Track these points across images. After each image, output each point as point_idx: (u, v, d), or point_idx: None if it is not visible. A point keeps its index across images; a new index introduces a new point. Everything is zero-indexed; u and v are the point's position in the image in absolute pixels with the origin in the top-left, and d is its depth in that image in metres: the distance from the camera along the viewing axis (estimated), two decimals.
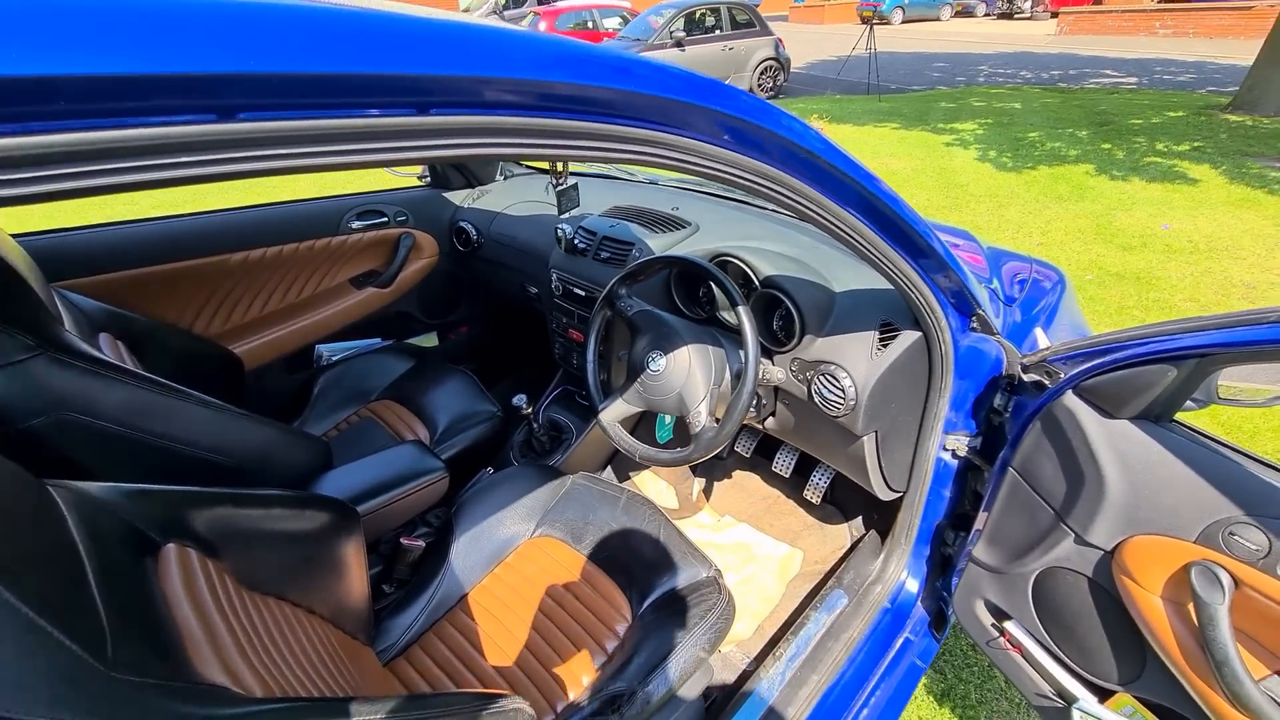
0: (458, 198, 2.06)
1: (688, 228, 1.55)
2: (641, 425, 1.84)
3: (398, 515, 1.32)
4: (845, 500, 1.77)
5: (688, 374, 1.17)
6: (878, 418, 1.21)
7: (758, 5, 10.49)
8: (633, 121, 0.57)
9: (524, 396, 1.58)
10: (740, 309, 1.11)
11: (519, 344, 2.42)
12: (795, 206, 0.78)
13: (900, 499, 1.38)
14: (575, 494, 1.41)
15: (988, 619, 1.23)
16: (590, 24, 11.16)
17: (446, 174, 2.03)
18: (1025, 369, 1.12)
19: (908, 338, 1.16)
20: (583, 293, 1.58)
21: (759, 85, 9.46)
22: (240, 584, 0.83)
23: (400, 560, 1.30)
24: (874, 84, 9.24)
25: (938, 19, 20.24)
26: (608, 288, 1.29)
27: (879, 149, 6.34)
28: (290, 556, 0.95)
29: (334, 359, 1.93)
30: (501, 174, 2.09)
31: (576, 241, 1.60)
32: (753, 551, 1.72)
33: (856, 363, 1.17)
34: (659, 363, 1.19)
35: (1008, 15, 20.28)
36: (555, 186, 1.33)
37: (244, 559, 0.85)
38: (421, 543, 1.31)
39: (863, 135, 6.93)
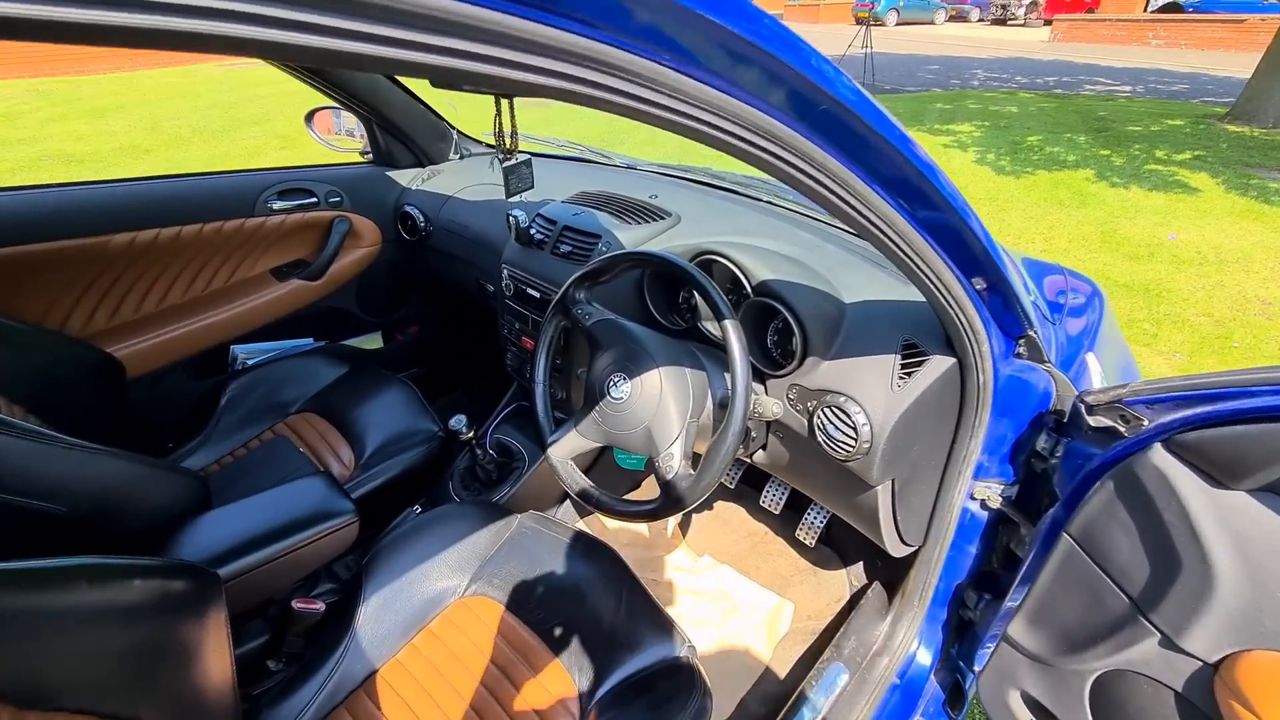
0: (404, 178, 1.78)
1: (667, 219, 1.30)
2: (603, 464, 1.57)
3: (291, 570, 1.05)
4: (844, 542, 1.52)
5: (658, 403, 0.91)
6: (896, 464, 0.96)
7: None
8: (567, 22, 0.33)
9: (463, 418, 1.31)
10: (727, 323, 0.86)
11: (476, 348, 2.14)
12: (806, 182, 0.54)
13: (914, 553, 1.14)
14: (521, 539, 1.15)
15: (1025, 715, 0.99)
16: None
17: (391, 150, 1.74)
18: (1090, 409, 0.88)
19: (937, 365, 0.92)
20: (537, 293, 1.32)
21: None
22: (9, 705, 0.56)
23: (293, 627, 1.03)
24: (869, 83, 9.06)
25: (932, 22, 20.17)
26: (562, 290, 1.03)
27: None
28: (106, 651, 0.69)
29: (250, 362, 1.65)
30: (456, 152, 1.81)
31: (533, 231, 1.33)
32: (735, 600, 1.47)
33: (873, 395, 0.92)
34: (623, 388, 0.94)
35: (1001, 21, 20.26)
36: (502, 162, 1.07)
37: (22, 666, 0.59)
38: (320, 605, 1.05)
39: None
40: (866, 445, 0.92)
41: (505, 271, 1.39)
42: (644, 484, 1.73)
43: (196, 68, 11.10)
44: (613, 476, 1.65)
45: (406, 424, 1.49)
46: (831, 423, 0.95)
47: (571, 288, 1.02)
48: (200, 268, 1.53)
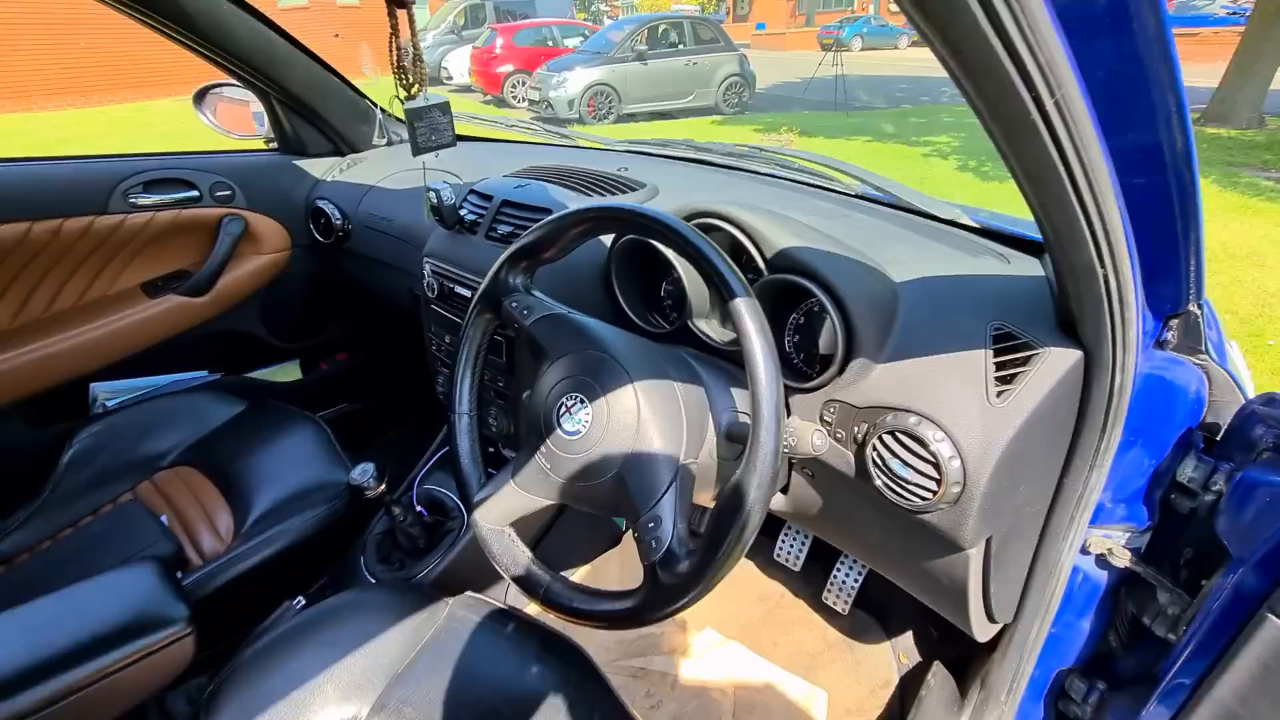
0: (318, 169, 1.45)
1: (640, 190, 0.98)
2: (564, 522, 1.21)
3: (88, 715, 0.69)
4: (885, 606, 1.19)
5: (634, 439, 0.58)
6: (998, 514, 0.64)
7: (721, 23, 10.33)
8: None
9: (370, 467, 0.96)
10: (740, 303, 0.54)
11: (416, 376, 1.79)
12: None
13: (1001, 632, 0.83)
14: (450, 638, 0.81)
15: None
16: (550, 41, 10.97)
17: (300, 135, 1.41)
18: None
19: (1055, 363, 0.61)
20: (468, 291, 0.99)
21: (725, 101, 9.30)
22: None
23: None
24: (840, 102, 9.07)
25: (895, 47, 20.65)
26: (490, 272, 0.70)
27: (854, 159, 5.99)
28: None
29: (112, 404, 1.29)
30: (381, 135, 1.49)
31: (462, 211, 1.01)
32: (748, 692, 1.12)
33: (960, 413, 0.61)
34: (579, 416, 0.61)
35: None
36: (403, 102, 0.74)
37: None
38: None
39: (835, 148, 6.64)
40: (956, 489, 0.60)
41: (428, 267, 1.05)
42: (627, 537, 1.38)
43: (154, 103, 10.75)
44: (580, 534, 1.30)
45: (310, 478, 1.13)
46: (896, 456, 0.63)
47: (503, 270, 0.69)
48: (37, 281, 1.18)
